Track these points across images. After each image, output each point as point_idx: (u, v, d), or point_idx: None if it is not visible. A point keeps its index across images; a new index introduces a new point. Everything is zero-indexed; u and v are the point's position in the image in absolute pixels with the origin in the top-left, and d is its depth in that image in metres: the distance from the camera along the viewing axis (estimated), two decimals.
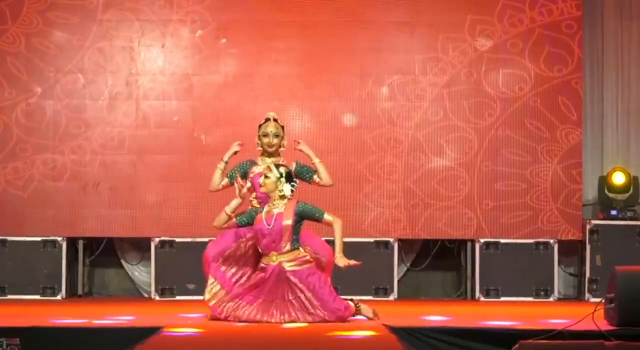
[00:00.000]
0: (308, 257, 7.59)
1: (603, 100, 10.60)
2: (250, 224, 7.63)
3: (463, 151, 10.17)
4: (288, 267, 7.53)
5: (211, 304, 7.67)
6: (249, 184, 7.73)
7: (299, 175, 7.89)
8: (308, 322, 7.39)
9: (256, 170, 7.89)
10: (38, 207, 10.04)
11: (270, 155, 7.91)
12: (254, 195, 7.87)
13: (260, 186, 7.68)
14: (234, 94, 10.14)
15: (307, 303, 7.47)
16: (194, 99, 10.16)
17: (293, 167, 7.85)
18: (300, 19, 10.17)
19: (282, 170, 7.63)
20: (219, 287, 7.71)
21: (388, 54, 10.21)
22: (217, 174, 8.00)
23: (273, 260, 7.53)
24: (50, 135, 10.08)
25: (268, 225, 7.52)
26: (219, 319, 7.56)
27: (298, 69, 10.19)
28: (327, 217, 7.61)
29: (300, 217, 7.59)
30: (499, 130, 10.15)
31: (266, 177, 7.62)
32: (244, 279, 7.69)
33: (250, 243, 7.74)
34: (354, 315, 7.58)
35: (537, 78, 10.16)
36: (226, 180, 7.95)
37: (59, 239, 9.99)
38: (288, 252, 7.55)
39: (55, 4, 10.10)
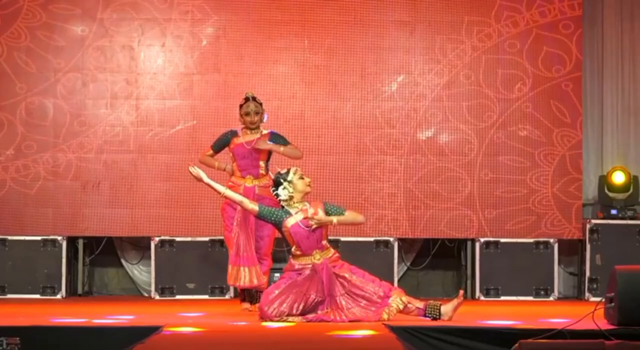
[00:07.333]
0: (337, 255, 7.76)
1: (603, 100, 10.59)
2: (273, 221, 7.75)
3: (482, 118, 10.17)
4: (329, 264, 7.66)
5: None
6: (228, 166, 8.55)
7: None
8: (360, 314, 7.51)
9: (236, 141, 8.47)
10: (38, 206, 10.03)
11: (252, 130, 8.48)
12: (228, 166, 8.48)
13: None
14: (233, 93, 10.13)
15: (359, 298, 7.60)
16: (194, 98, 10.16)
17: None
18: (300, 17, 10.17)
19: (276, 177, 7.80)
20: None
21: (388, 53, 10.21)
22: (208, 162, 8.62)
23: (317, 259, 7.66)
24: (51, 134, 10.08)
25: (307, 227, 7.64)
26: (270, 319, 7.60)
27: (298, 69, 10.20)
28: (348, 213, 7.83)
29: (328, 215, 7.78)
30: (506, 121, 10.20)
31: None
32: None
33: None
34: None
35: (535, 78, 10.20)
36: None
37: (59, 238, 9.98)
38: (327, 248, 7.71)
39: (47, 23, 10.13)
